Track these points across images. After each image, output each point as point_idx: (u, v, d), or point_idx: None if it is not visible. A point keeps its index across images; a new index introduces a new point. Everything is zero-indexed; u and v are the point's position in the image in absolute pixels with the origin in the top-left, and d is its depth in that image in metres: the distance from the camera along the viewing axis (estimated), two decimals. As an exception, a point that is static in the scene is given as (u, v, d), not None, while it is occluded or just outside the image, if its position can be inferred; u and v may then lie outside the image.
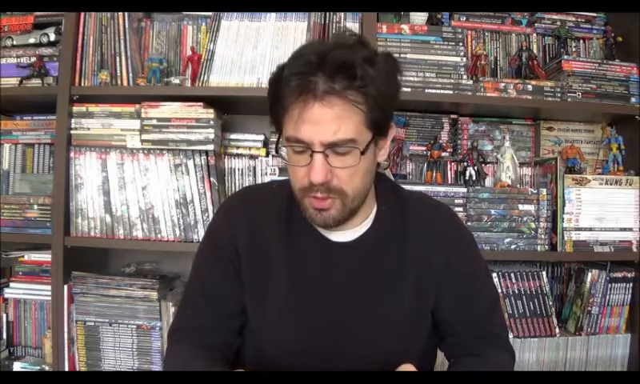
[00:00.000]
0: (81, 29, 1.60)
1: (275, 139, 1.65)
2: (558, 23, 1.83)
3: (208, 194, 1.58)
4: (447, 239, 0.93)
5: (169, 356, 0.94)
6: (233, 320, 0.93)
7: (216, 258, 0.93)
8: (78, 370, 1.59)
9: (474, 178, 1.70)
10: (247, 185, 1.70)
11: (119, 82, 1.60)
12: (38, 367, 1.61)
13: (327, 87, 0.76)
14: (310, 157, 0.79)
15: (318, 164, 0.78)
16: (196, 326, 0.93)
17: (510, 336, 1.50)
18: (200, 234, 1.57)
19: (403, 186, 1.01)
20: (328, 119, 0.77)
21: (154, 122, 1.57)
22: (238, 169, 1.71)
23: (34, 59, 1.62)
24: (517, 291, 1.63)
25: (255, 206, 0.95)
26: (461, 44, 1.68)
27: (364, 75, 0.77)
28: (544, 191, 1.65)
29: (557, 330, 1.64)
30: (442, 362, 1.05)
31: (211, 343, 0.91)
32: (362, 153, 0.79)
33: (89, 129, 1.61)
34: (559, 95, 1.68)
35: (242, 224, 0.92)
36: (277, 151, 0.84)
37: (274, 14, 1.63)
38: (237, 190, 1.70)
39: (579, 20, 1.87)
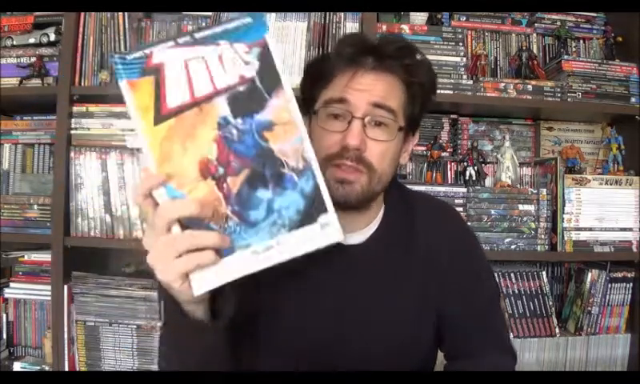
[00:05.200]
0: (81, 29, 1.60)
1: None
2: (558, 23, 1.83)
3: (208, 194, 1.58)
4: (452, 238, 0.93)
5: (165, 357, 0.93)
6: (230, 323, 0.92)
7: None
8: (78, 369, 1.59)
9: (474, 178, 1.70)
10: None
11: (119, 81, 1.60)
12: (38, 367, 1.61)
13: (380, 62, 0.82)
14: (347, 124, 0.81)
15: (357, 128, 0.80)
16: None
17: (510, 336, 1.50)
18: (200, 234, 1.56)
19: (407, 185, 1.01)
20: (378, 86, 0.82)
21: (154, 121, 1.57)
22: (238, 169, 1.71)
23: (34, 59, 1.62)
24: (517, 291, 1.63)
25: None
26: (461, 44, 1.68)
27: (415, 58, 0.84)
28: (544, 191, 1.65)
29: (557, 330, 1.64)
30: (441, 362, 1.04)
31: None
32: (399, 129, 0.83)
33: (89, 129, 1.61)
34: (559, 95, 1.68)
35: None
36: (309, 111, 0.86)
37: (274, 14, 1.63)
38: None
39: (579, 20, 1.86)
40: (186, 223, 0.60)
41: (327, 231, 0.61)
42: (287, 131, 0.61)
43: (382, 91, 0.82)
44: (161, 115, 0.60)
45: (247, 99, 0.61)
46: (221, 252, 0.60)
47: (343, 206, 0.82)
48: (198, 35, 0.62)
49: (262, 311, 0.89)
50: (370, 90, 0.81)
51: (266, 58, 0.61)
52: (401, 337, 0.89)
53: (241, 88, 0.61)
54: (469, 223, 1.61)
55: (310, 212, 0.61)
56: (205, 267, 0.60)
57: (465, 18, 1.83)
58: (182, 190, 0.60)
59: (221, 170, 0.60)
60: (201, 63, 0.61)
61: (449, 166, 1.80)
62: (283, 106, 0.61)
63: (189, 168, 0.60)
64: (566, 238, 1.64)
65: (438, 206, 1.00)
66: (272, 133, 0.61)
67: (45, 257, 1.64)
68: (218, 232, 0.60)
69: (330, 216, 0.62)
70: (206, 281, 0.60)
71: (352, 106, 0.81)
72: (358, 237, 0.90)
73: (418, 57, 0.85)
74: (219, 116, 0.61)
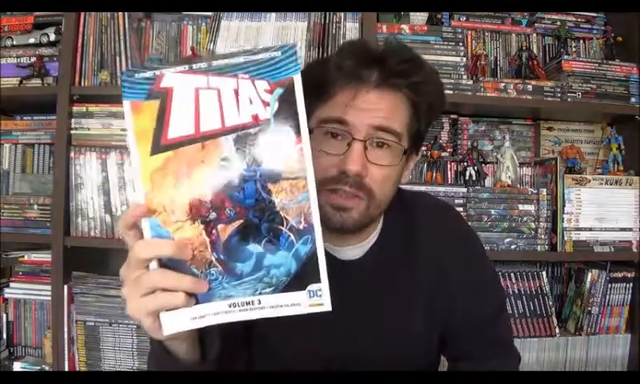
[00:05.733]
0: (81, 29, 1.60)
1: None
2: (558, 23, 1.83)
3: (208, 194, 1.57)
4: (454, 239, 0.91)
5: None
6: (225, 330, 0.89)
7: None
8: (78, 369, 1.59)
9: (473, 178, 1.70)
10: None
11: (119, 81, 1.60)
12: (38, 367, 1.61)
13: (384, 78, 0.76)
14: (347, 146, 0.74)
15: (358, 152, 0.74)
16: None
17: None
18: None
19: (403, 186, 0.99)
20: (382, 106, 0.76)
21: (154, 122, 1.57)
22: (238, 169, 1.71)
23: (34, 59, 1.62)
24: (517, 291, 1.63)
25: None
26: (461, 44, 1.68)
27: (423, 74, 0.78)
28: (544, 191, 1.65)
29: (557, 330, 1.64)
30: (442, 362, 1.04)
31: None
32: (404, 153, 0.78)
33: (89, 129, 1.61)
34: (559, 95, 1.68)
35: None
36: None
37: (274, 14, 1.63)
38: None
39: (579, 20, 1.87)
40: (166, 262, 0.56)
41: (315, 301, 0.57)
42: (295, 186, 0.56)
43: (385, 112, 0.76)
44: (159, 145, 0.56)
45: (257, 144, 0.56)
46: (197, 297, 0.57)
47: (339, 232, 0.79)
48: (216, 63, 0.56)
49: (254, 335, 0.86)
50: (372, 109, 0.75)
51: (287, 100, 0.55)
52: (405, 344, 0.87)
53: (252, 130, 0.56)
54: (469, 223, 1.61)
55: (301, 278, 0.56)
56: (176, 309, 0.57)
57: (465, 18, 1.83)
58: (168, 228, 0.56)
59: (213, 215, 0.56)
60: (213, 95, 0.56)
61: (449, 166, 1.80)
62: (296, 159, 0.55)
63: (179, 206, 0.56)
64: (566, 238, 1.64)
65: (438, 207, 0.97)
66: (277, 185, 0.56)
67: (45, 257, 1.64)
68: (197, 277, 0.56)
69: (323, 287, 0.57)
70: (176, 322, 0.57)
71: (353, 127, 0.74)
72: (355, 251, 0.86)
73: (426, 70, 0.79)
74: (222, 156, 0.56)
